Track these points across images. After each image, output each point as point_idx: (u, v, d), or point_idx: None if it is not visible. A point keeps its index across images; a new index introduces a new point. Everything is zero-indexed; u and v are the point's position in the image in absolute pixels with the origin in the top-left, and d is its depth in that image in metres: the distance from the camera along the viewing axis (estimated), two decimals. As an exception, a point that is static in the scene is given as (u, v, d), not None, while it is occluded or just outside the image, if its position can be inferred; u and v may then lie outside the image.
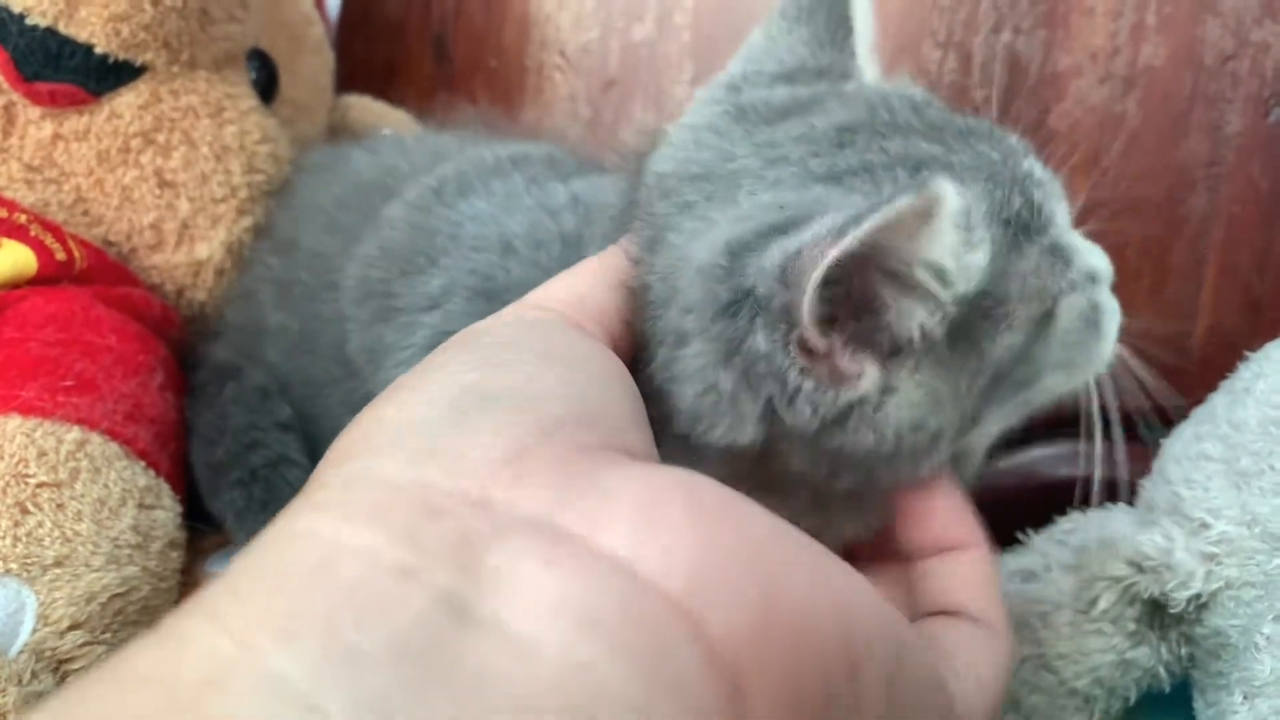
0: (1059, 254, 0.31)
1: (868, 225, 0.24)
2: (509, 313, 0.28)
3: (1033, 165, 0.32)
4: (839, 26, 0.36)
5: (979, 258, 0.28)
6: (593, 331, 0.28)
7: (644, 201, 0.32)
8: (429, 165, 0.45)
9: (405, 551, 0.19)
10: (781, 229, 0.27)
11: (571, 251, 0.36)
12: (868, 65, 0.36)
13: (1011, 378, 0.30)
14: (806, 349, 0.27)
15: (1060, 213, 0.32)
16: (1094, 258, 0.33)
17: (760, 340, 0.26)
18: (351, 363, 0.40)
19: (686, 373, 0.28)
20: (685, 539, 0.20)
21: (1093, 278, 0.32)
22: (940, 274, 0.27)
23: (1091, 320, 0.32)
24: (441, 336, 0.36)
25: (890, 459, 0.29)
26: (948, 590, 0.29)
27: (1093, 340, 0.32)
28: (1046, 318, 0.30)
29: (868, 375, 0.28)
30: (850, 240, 0.24)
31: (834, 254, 0.24)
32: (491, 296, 0.36)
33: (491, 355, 0.25)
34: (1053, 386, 0.32)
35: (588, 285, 0.29)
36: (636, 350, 0.30)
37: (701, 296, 0.27)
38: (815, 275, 0.25)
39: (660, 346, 0.29)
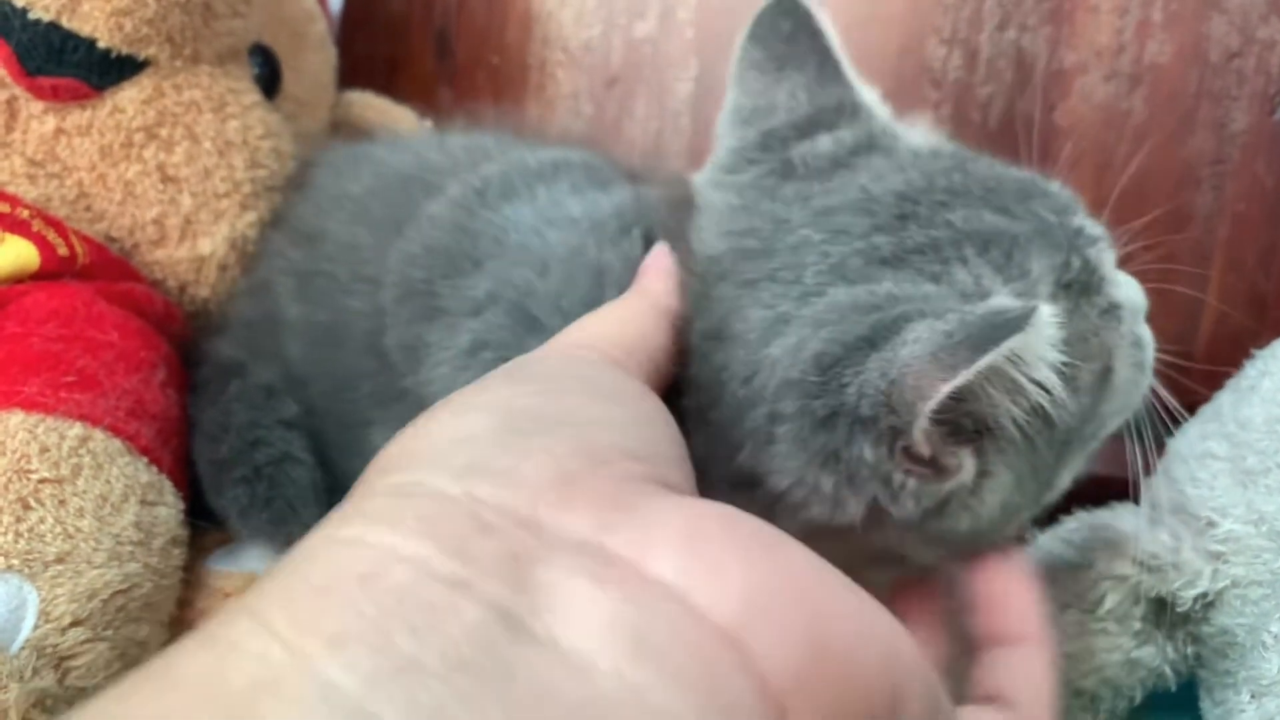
0: (1112, 311, 0.32)
1: (980, 364, 0.25)
2: (551, 347, 0.29)
3: (1083, 221, 0.32)
4: (826, 62, 0.36)
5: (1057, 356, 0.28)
6: (631, 370, 0.28)
7: (697, 280, 0.32)
8: (470, 163, 0.44)
9: (455, 563, 0.19)
10: (870, 341, 0.27)
11: (604, 291, 0.35)
12: (870, 96, 0.36)
13: (1082, 436, 0.31)
14: (912, 454, 0.27)
15: (1109, 265, 0.32)
16: (1131, 291, 0.33)
17: (866, 452, 0.27)
18: (386, 355, 0.40)
19: (781, 469, 0.28)
20: (734, 570, 0.20)
21: (1133, 312, 0.33)
22: (1037, 382, 0.27)
23: (1139, 362, 0.33)
24: (481, 344, 0.36)
25: (980, 536, 0.30)
26: (1000, 682, 0.29)
27: (1142, 379, 0.33)
28: (1106, 373, 0.31)
29: (966, 467, 0.28)
30: (961, 378, 0.25)
31: (945, 390, 0.25)
32: (527, 319, 0.36)
33: (542, 384, 0.26)
34: (1111, 428, 0.33)
35: (625, 326, 0.30)
36: (673, 389, 0.30)
37: (796, 410, 0.28)
38: (927, 406, 0.25)
39: (748, 442, 0.29)
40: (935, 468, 0.28)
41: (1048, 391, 0.28)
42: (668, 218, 0.35)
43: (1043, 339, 0.26)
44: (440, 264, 0.39)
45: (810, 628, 0.20)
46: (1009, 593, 0.31)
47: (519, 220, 0.39)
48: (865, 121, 0.35)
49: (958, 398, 0.26)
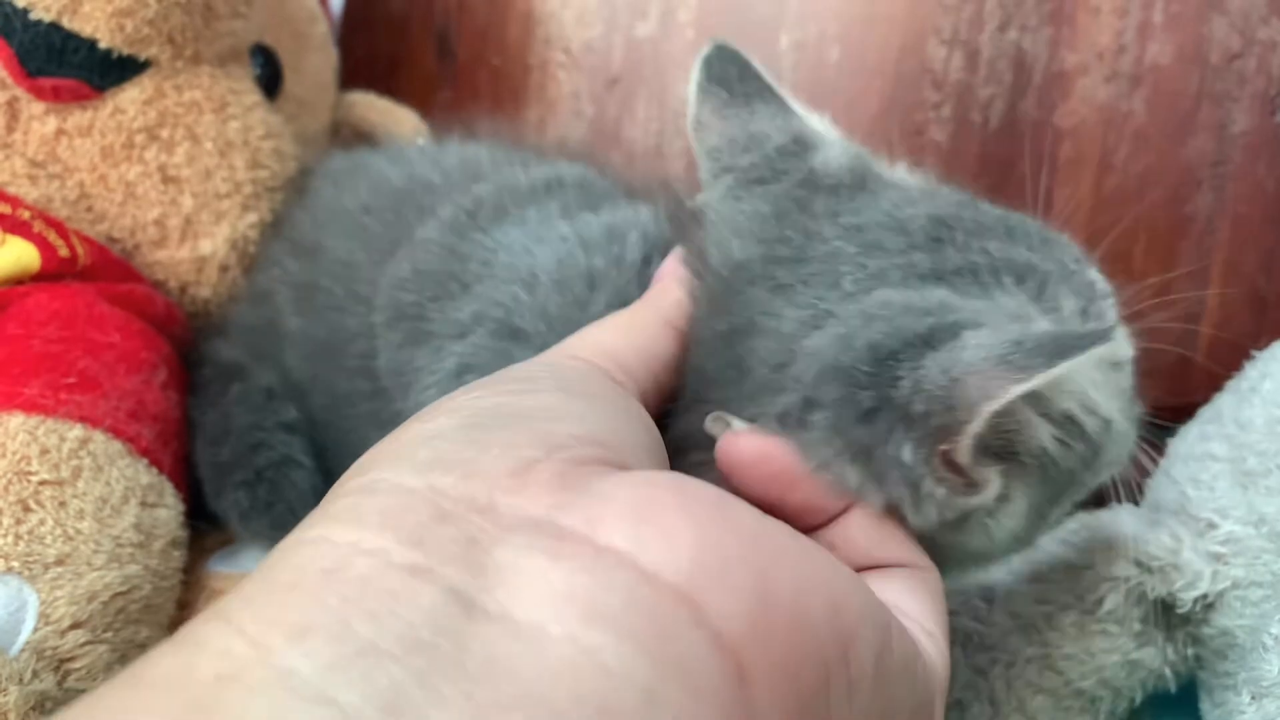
0: (1119, 365, 0.32)
1: (1059, 369, 0.25)
2: (542, 358, 0.29)
3: (1095, 274, 0.33)
4: (780, 99, 0.37)
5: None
6: (621, 381, 0.29)
7: (718, 283, 0.32)
8: (463, 183, 0.44)
9: (414, 552, 0.20)
10: (928, 340, 0.27)
11: (594, 294, 0.36)
12: (825, 126, 0.37)
13: (1080, 481, 0.32)
14: (950, 462, 0.27)
15: (1115, 319, 0.33)
16: (1125, 345, 0.34)
17: (905, 451, 0.27)
18: (380, 379, 0.40)
19: (808, 456, 0.28)
20: (683, 532, 0.21)
21: (1131, 368, 0.34)
22: (1090, 410, 0.28)
23: (1133, 417, 0.33)
24: (466, 367, 0.36)
25: (982, 560, 0.31)
26: (875, 543, 0.29)
27: (1132, 433, 0.33)
28: (1107, 424, 0.31)
29: (992, 485, 0.28)
30: (1039, 380, 0.25)
31: (1017, 391, 0.25)
32: (513, 333, 0.36)
33: (513, 386, 0.26)
34: (1100, 480, 0.33)
35: (619, 338, 0.30)
36: (668, 402, 0.31)
37: (838, 398, 0.27)
38: (990, 407, 0.25)
39: (771, 424, 0.29)
40: (965, 481, 0.28)
41: (1083, 422, 0.28)
42: (676, 226, 0.35)
43: (1099, 364, 0.27)
44: (430, 287, 0.39)
45: (759, 581, 0.21)
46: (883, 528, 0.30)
47: (508, 242, 0.39)
48: (851, 149, 0.36)
49: (1002, 415, 0.26)
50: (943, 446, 0.27)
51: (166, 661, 0.18)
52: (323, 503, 0.23)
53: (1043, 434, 0.28)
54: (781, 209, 0.33)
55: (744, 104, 0.36)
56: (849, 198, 0.33)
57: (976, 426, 0.26)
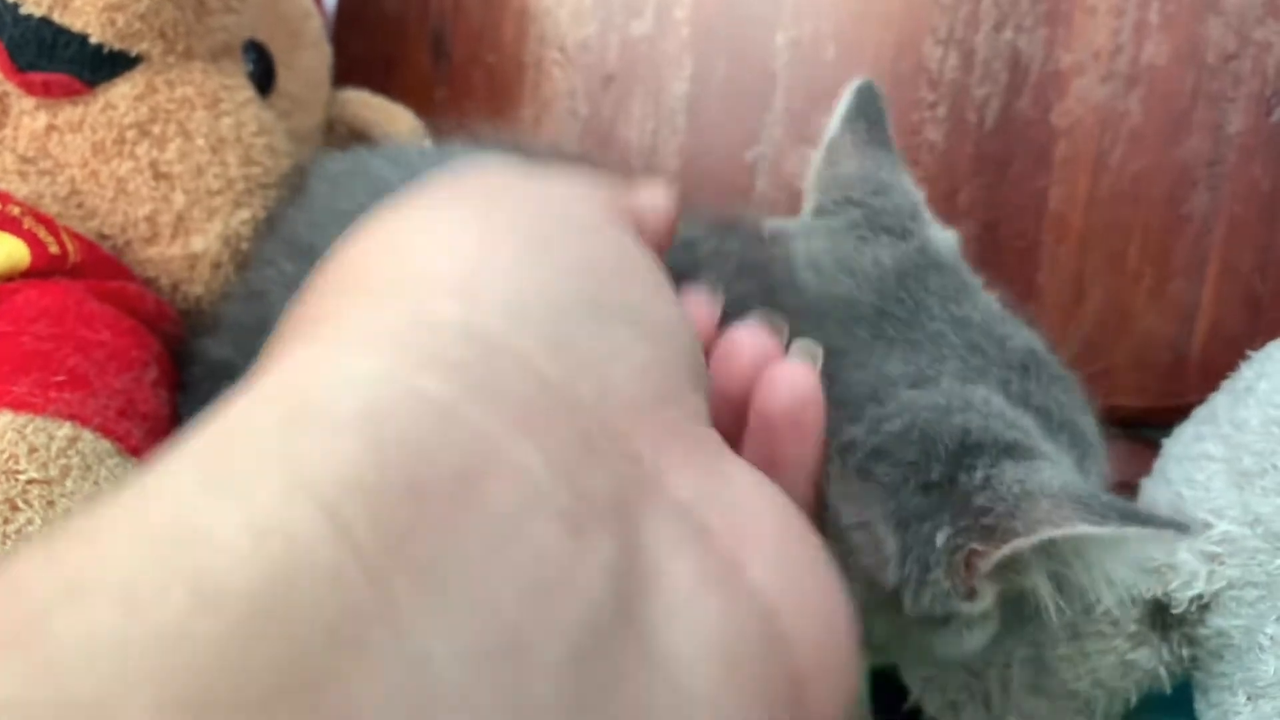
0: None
1: (1127, 532, 0.26)
2: None
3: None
4: (898, 160, 0.38)
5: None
6: None
7: (801, 309, 0.32)
8: None
9: (567, 493, 0.15)
10: (1010, 451, 0.28)
11: None
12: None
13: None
14: (970, 563, 0.28)
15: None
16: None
17: (940, 535, 0.27)
18: None
19: (858, 507, 0.29)
20: (818, 602, 0.20)
21: None
22: (1100, 589, 0.28)
23: None
24: None
25: (935, 660, 0.32)
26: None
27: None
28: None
29: (985, 600, 0.29)
30: (1104, 531, 0.26)
31: (1080, 530, 0.26)
32: None
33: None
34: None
35: None
36: None
37: (911, 461, 0.28)
38: (1050, 533, 0.26)
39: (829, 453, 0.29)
40: (969, 587, 0.28)
41: (1087, 595, 0.28)
42: (749, 250, 0.36)
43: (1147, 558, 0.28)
44: None
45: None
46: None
47: None
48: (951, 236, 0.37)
49: (1037, 550, 0.27)
50: (977, 547, 0.27)
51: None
52: (327, 320, 0.17)
53: (1045, 587, 0.29)
54: (904, 269, 0.33)
55: (878, 149, 0.37)
56: (954, 286, 0.34)
57: (1025, 544, 0.26)
